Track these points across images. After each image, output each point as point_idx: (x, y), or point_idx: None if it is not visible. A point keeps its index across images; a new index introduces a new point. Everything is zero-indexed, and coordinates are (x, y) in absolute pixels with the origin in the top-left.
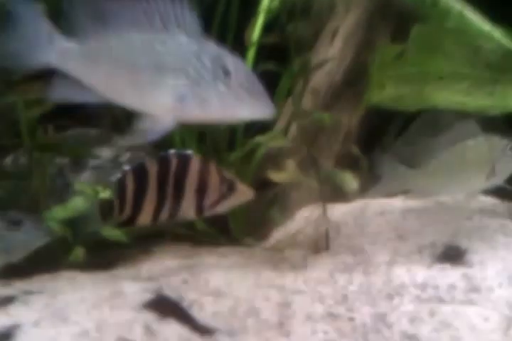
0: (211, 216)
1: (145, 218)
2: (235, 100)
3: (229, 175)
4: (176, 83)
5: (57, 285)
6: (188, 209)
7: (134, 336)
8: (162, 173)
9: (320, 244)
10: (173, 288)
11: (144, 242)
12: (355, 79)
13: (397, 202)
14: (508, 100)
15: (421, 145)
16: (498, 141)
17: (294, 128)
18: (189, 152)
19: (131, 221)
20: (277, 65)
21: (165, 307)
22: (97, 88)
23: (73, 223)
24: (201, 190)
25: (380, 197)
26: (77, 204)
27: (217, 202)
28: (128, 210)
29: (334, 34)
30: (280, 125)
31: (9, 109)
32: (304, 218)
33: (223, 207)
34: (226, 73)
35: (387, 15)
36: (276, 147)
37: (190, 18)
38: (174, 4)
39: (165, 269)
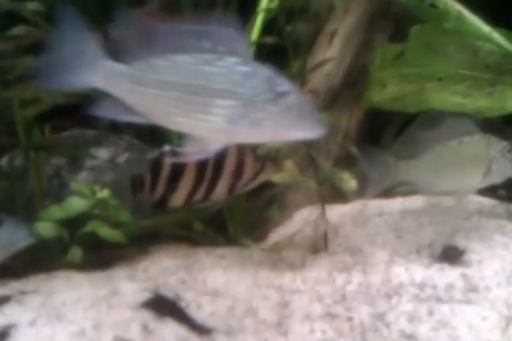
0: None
1: (178, 199)
2: (286, 121)
3: (257, 154)
4: (227, 104)
5: (53, 285)
6: (221, 191)
7: (131, 335)
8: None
9: (318, 245)
10: (171, 287)
11: (141, 242)
12: (354, 80)
13: (396, 203)
14: (507, 101)
15: (415, 138)
16: (496, 141)
17: None
18: None
19: (163, 201)
20: (277, 65)
21: (162, 306)
22: (143, 111)
23: (70, 223)
24: (237, 171)
25: (377, 194)
26: (73, 203)
27: (251, 181)
28: (160, 189)
29: (333, 35)
30: None
31: (5, 108)
32: (302, 219)
33: (251, 186)
34: (277, 94)
35: (387, 16)
36: (274, 147)
37: (239, 39)
38: (223, 25)
39: (162, 269)
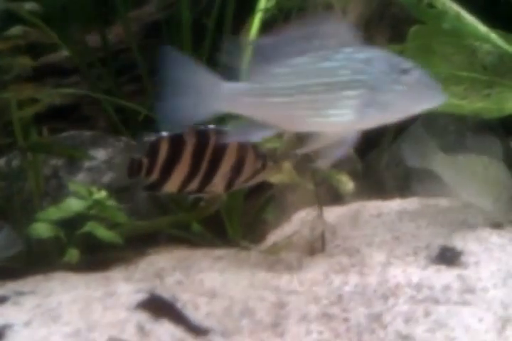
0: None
1: (172, 185)
2: (413, 97)
3: (261, 151)
4: (355, 94)
5: (50, 286)
6: (218, 184)
7: (126, 336)
8: (199, 146)
9: (316, 246)
10: (167, 288)
11: (138, 244)
12: None
13: (394, 205)
14: (505, 103)
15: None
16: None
17: None
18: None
19: (157, 185)
20: None
21: (158, 307)
22: (272, 122)
23: (68, 224)
24: (237, 167)
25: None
26: (70, 204)
27: (250, 178)
28: (156, 174)
29: None
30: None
31: (2, 108)
32: (300, 220)
33: (251, 183)
34: (400, 73)
35: (385, 17)
36: (272, 148)
37: (344, 29)
38: (323, 21)
39: (159, 270)
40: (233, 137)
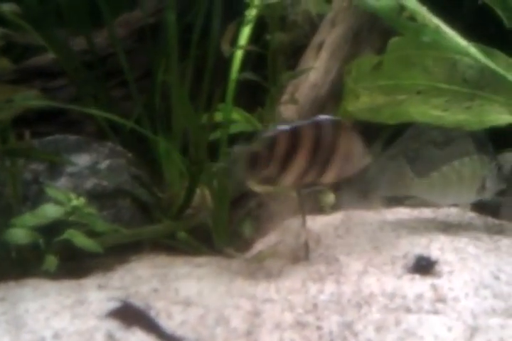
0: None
1: (290, 179)
2: None
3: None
4: None
5: (21, 293)
6: (332, 174)
7: None
8: (315, 138)
9: (299, 255)
10: (142, 296)
11: (122, 251)
12: (340, 92)
13: (378, 215)
14: (485, 116)
15: (424, 156)
16: (488, 160)
17: None
18: (340, 118)
19: (274, 179)
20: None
21: (130, 315)
22: None
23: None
24: (347, 157)
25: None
26: (47, 211)
27: (356, 167)
28: (275, 167)
29: (320, 48)
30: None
31: None
32: (287, 229)
33: (354, 172)
34: None
35: (375, 29)
36: None
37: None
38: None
39: (136, 278)
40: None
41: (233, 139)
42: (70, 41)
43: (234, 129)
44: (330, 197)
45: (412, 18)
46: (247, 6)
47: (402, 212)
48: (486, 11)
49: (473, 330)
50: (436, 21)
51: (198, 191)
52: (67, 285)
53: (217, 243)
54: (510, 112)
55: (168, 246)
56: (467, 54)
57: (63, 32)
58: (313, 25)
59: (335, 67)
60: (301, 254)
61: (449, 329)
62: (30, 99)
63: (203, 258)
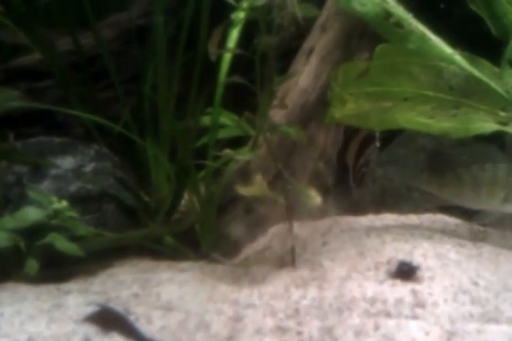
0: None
1: None
2: None
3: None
4: None
5: None
6: None
7: None
8: None
9: (286, 260)
10: (122, 301)
11: (106, 255)
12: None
13: (365, 220)
14: (470, 124)
15: (444, 159)
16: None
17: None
18: None
19: None
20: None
21: (109, 320)
22: None
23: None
24: None
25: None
26: (27, 213)
27: None
28: None
29: (310, 53)
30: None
31: None
32: (275, 234)
33: None
34: None
35: (367, 35)
36: (245, 161)
37: None
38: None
39: (118, 283)
40: None
41: (226, 143)
42: (58, 41)
43: (223, 134)
44: (317, 201)
45: (399, 24)
46: (234, 8)
47: (389, 218)
48: (474, 18)
49: (450, 335)
50: (422, 28)
51: (185, 195)
52: (46, 289)
53: (204, 248)
54: (495, 120)
55: (154, 251)
56: (453, 62)
57: (50, 32)
58: (300, 28)
59: (325, 73)
60: (288, 260)
61: (427, 333)
62: (12, 100)
63: (188, 264)
